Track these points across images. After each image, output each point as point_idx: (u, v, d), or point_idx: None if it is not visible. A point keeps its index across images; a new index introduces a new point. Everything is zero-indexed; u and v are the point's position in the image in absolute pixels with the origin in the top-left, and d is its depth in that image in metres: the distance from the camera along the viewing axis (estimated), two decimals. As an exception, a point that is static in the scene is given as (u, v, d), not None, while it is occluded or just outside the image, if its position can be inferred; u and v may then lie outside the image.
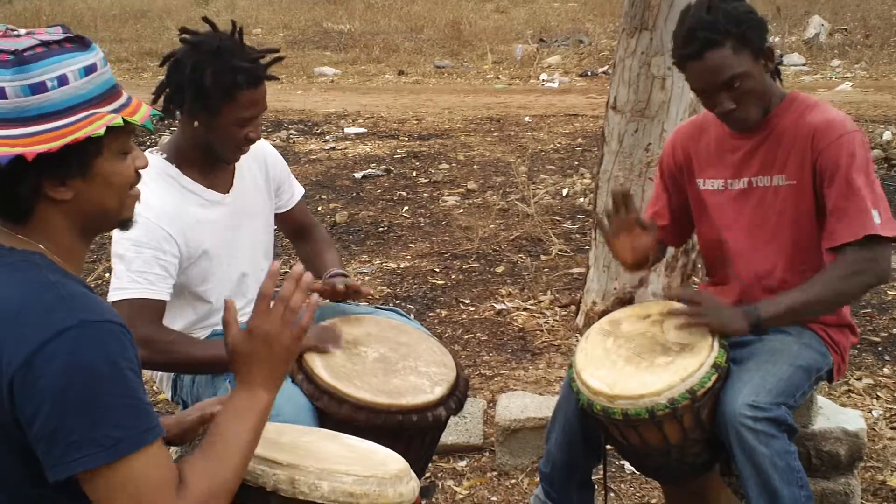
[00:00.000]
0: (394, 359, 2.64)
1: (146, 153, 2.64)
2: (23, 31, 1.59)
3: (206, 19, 2.70)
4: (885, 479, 3.36)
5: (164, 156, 2.68)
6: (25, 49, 1.54)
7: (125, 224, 1.74)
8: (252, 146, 2.80)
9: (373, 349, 2.65)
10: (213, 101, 2.52)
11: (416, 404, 2.49)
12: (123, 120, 1.61)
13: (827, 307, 2.60)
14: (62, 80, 1.55)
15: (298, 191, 3.06)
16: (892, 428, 3.72)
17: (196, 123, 2.58)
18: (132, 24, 18.87)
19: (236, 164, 2.79)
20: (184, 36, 2.62)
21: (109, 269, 5.68)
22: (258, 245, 2.85)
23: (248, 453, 1.68)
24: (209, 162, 2.69)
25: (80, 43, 1.60)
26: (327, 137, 9.73)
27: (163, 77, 2.62)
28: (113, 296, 2.52)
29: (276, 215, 2.98)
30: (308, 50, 16.34)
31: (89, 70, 1.58)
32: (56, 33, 1.59)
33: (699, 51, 2.49)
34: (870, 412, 3.82)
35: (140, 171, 1.71)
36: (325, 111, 11.12)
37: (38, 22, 15.95)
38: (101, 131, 1.57)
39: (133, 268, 2.51)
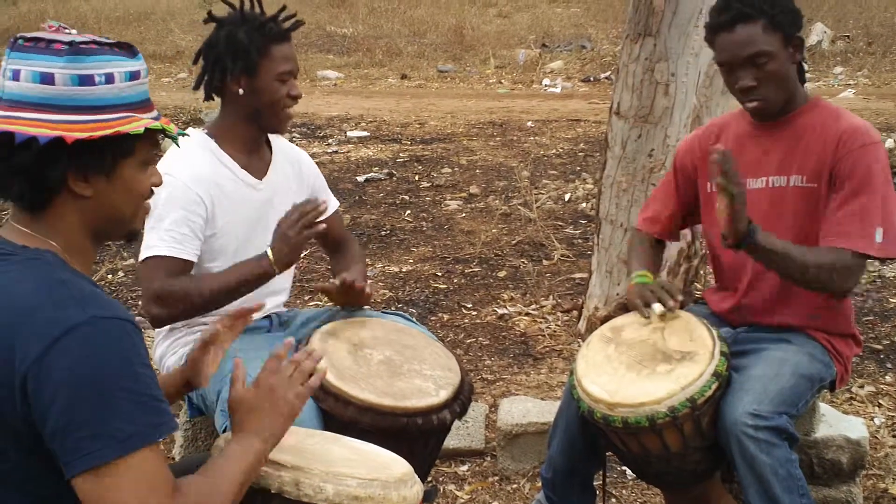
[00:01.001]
0: (399, 362, 2.64)
1: (189, 129, 2.77)
2: (75, 31, 1.67)
3: (224, 0, 2.82)
4: (886, 488, 3.36)
5: (206, 132, 2.78)
6: (81, 42, 1.61)
7: (133, 235, 1.80)
8: (286, 148, 2.93)
9: (378, 352, 2.66)
10: (251, 57, 2.66)
11: (421, 407, 2.50)
12: (163, 127, 1.68)
13: (793, 278, 2.57)
14: (109, 78, 1.62)
15: (333, 203, 3.09)
16: (893, 436, 3.72)
17: (241, 91, 2.69)
18: (135, 27, 18.87)
19: (272, 157, 2.86)
20: (210, 15, 2.79)
21: (112, 271, 5.76)
22: None
23: (239, 489, 1.69)
24: (250, 141, 2.78)
25: (128, 49, 1.68)
26: (330, 141, 9.74)
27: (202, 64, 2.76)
28: (142, 253, 2.61)
29: None
30: (311, 53, 16.34)
31: (134, 76, 1.67)
32: (105, 38, 1.67)
33: (731, 21, 2.53)
34: (872, 420, 3.82)
35: (155, 187, 1.76)
36: (328, 114, 11.13)
37: (41, 23, 15.95)
38: (141, 130, 1.64)
39: (162, 226, 2.58)
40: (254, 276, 2.61)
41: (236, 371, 1.86)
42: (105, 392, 1.50)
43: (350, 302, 2.86)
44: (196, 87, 2.80)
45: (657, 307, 2.62)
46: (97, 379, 1.50)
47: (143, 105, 1.69)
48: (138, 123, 1.64)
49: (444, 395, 2.57)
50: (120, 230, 1.76)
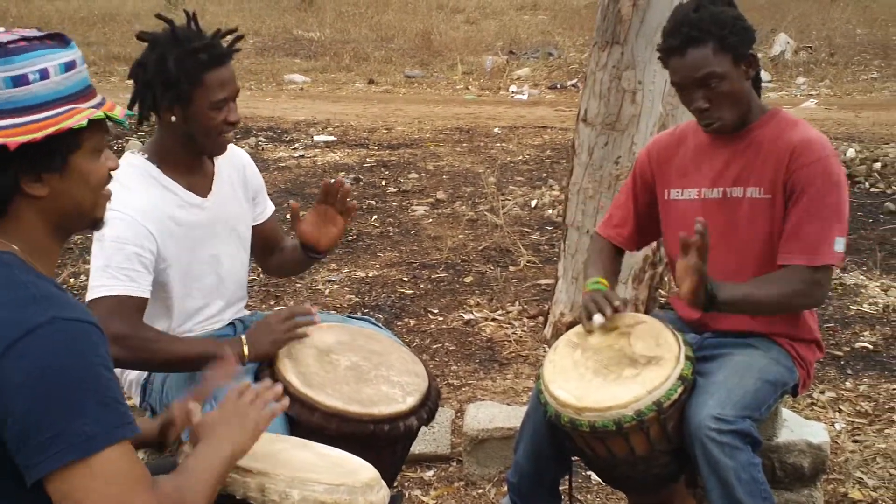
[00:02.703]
0: (366, 367, 2.63)
1: (127, 153, 2.68)
2: (2, 29, 1.61)
3: (159, 16, 2.70)
4: (846, 492, 3.40)
5: (146, 156, 2.68)
6: (8, 42, 1.56)
7: (97, 224, 1.76)
8: (229, 154, 2.82)
9: (345, 357, 2.64)
10: (182, 89, 2.53)
11: (387, 414, 2.49)
12: (105, 114, 1.64)
13: (768, 312, 2.66)
14: (43, 74, 1.57)
15: (270, 206, 3.06)
16: (854, 441, 3.77)
17: (173, 118, 2.57)
18: (100, 28, 18.73)
19: (216, 170, 2.79)
20: (141, 34, 2.64)
21: (75, 275, 5.72)
22: (233, 253, 2.84)
23: (212, 490, 1.70)
24: (190, 161, 2.70)
25: (59, 40, 1.63)
26: (296, 145, 9.71)
27: (132, 84, 2.63)
28: (92, 293, 2.50)
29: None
30: (278, 57, 16.30)
31: (69, 66, 1.61)
32: (33, 32, 1.61)
33: (682, 46, 2.55)
34: (832, 425, 3.86)
35: (112, 171, 1.73)
36: (295, 118, 11.09)
37: (3, 23, 15.80)
38: (84, 123, 1.59)
39: (113, 264, 2.49)
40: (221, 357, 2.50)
41: (192, 406, 1.89)
42: (66, 393, 1.49)
43: (325, 234, 2.85)
44: (130, 108, 2.63)
45: (597, 318, 2.65)
46: (58, 380, 1.48)
47: (84, 93, 1.64)
48: (80, 116, 1.60)
49: (411, 401, 2.56)
50: (82, 222, 1.73)
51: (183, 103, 2.55)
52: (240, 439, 1.78)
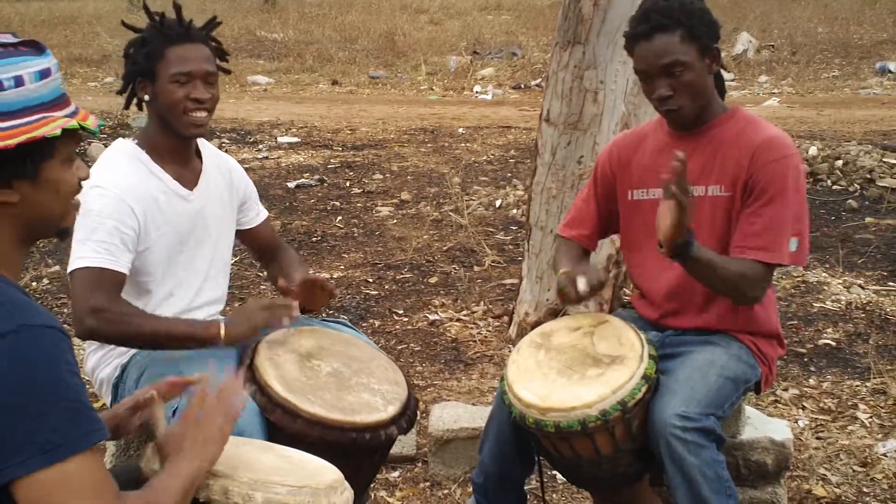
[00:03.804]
0: (347, 374, 2.61)
1: (118, 139, 2.75)
2: None
3: (146, 9, 2.78)
4: (810, 489, 3.42)
5: (136, 141, 2.72)
6: None
7: (64, 233, 1.75)
8: (219, 160, 2.88)
9: (326, 363, 2.62)
10: (148, 63, 2.62)
11: (369, 422, 2.47)
12: (79, 124, 1.63)
13: (719, 287, 2.62)
14: (18, 81, 1.57)
15: (263, 212, 3.07)
16: (817, 438, 3.79)
17: (146, 97, 2.66)
18: (61, 30, 18.57)
19: (202, 168, 2.81)
20: (124, 22, 2.79)
21: (37, 278, 5.64)
22: (213, 251, 2.83)
23: (182, 501, 1.69)
24: (175, 151, 2.72)
25: (35, 47, 1.63)
26: (260, 146, 9.67)
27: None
28: (72, 265, 2.52)
29: (241, 232, 2.98)
30: (241, 58, 16.22)
31: (44, 74, 1.61)
32: (8, 38, 1.61)
33: (650, 31, 2.57)
34: (796, 422, 3.89)
35: (82, 181, 1.72)
36: (258, 120, 11.05)
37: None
38: (58, 132, 1.59)
39: (95, 238, 2.51)
40: (198, 337, 2.54)
41: (154, 413, 1.88)
42: (33, 401, 1.48)
43: (311, 302, 2.81)
44: (119, 93, 2.76)
45: (581, 283, 2.58)
46: (25, 388, 1.47)
47: (58, 102, 1.63)
48: (54, 125, 1.59)
49: (391, 410, 2.54)
50: (51, 230, 1.72)
51: (151, 78, 2.63)
52: (207, 451, 1.77)
